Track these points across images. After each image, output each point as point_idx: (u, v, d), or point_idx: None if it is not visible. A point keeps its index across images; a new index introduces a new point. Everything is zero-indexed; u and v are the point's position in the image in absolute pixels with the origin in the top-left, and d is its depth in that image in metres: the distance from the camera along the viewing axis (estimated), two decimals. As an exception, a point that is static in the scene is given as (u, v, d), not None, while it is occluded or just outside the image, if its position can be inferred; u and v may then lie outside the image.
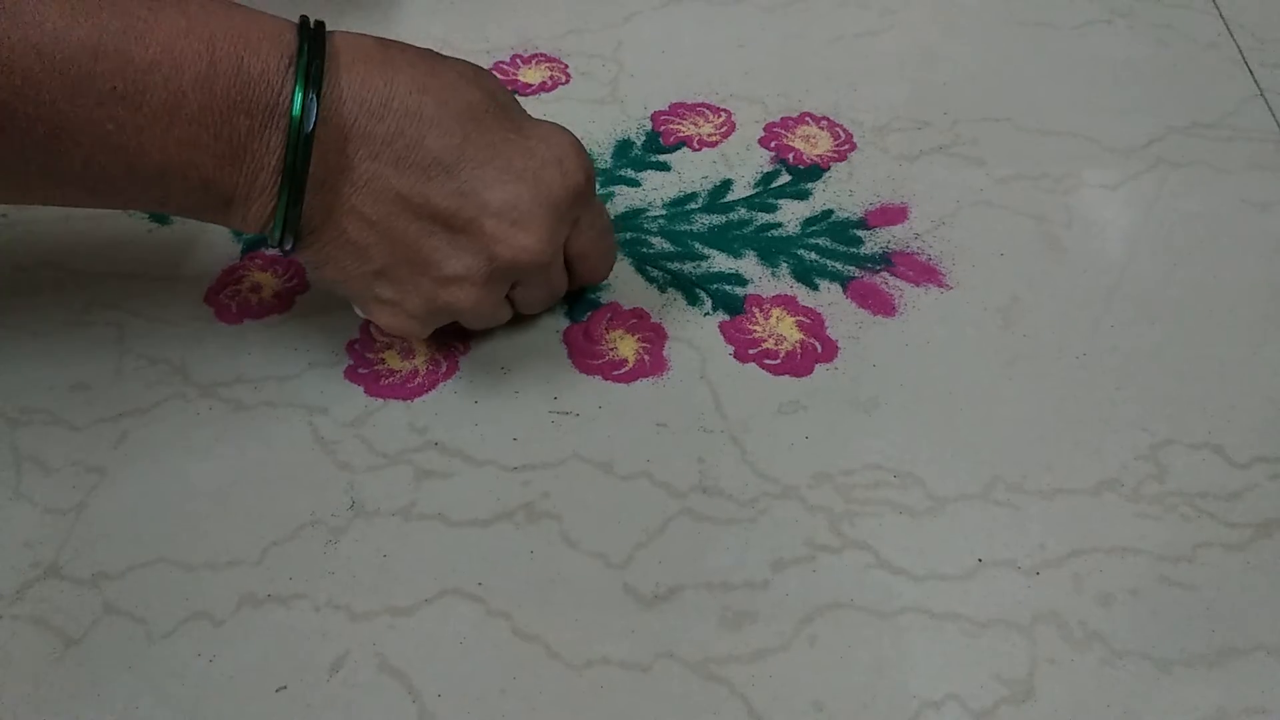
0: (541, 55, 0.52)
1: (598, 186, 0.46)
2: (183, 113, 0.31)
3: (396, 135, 0.32)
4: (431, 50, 0.35)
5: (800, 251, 0.43)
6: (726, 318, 0.41)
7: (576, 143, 0.35)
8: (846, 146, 0.48)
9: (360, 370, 0.39)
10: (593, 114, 0.49)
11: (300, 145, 0.31)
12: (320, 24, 0.33)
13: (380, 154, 0.32)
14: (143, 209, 0.34)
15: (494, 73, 0.42)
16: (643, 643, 0.32)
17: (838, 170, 0.47)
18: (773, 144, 0.48)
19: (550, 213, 0.34)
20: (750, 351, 0.40)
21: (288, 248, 0.34)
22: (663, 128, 0.49)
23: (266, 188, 0.32)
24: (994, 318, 0.41)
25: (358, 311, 0.37)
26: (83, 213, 0.44)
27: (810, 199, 0.46)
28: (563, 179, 0.34)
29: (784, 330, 0.41)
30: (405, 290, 0.35)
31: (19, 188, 0.32)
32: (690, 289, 0.42)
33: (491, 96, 0.34)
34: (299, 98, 0.31)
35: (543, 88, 0.50)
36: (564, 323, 0.41)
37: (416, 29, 0.35)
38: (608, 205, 0.45)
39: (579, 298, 0.41)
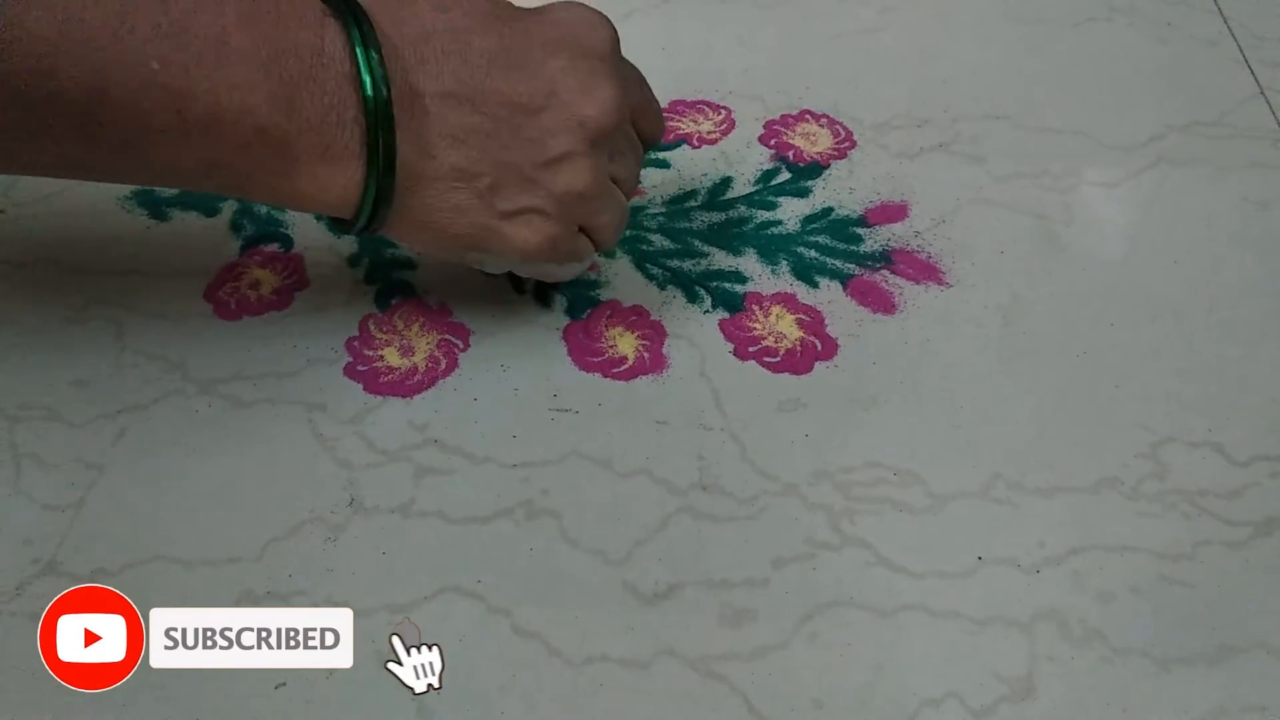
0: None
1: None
2: (229, 50, 0.30)
3: (447, 52, 0.33)
4: None
5: (800, 249, 0.43)
6: (726, 315, 0.41)
7: (588, 6, 0.36)
8: (846, 144, 0.48)
9: (359, 367, 0.39)
10: (592, 111, 0.49)
11: (378, 85, 0.31)
12: None
13: (442, 74, 0.33)
14: (187, 182, 0.32)
15: None
16: (642, 640, 0.32)
17: (838, 168, 0.47)
18: (772, 141, 0.48)
19: (605, 65, 0.35)
20: (750, 349, 0.40)
21: (369, 223, 0.34)
22: (662, 125, 0.49)
23: (346, 149, 0.32)
24: (994, 316, 0.41)
25: (486, 268, 0.37)
26: (82, 208, 0.44)
27: (810, 196, 0.46)
28: (598, 34, 0.35)
29: (784, 328, 0.40)
30: (525, 191, 0.34)
31: (54, 148, 0.30)
32: (690, 286, 0.42)
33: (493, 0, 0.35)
34: (358, 41, 0.31)
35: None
36: (563, 320, 0.41)
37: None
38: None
39: (579, 294, 0.41)
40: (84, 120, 0.29)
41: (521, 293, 0.41)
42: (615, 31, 0.36)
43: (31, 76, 0.28)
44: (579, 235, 0.37)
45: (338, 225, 0.36)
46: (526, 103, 0.34)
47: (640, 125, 0.38)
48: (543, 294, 0.41)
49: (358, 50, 0.31)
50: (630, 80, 0.37)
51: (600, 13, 0.36)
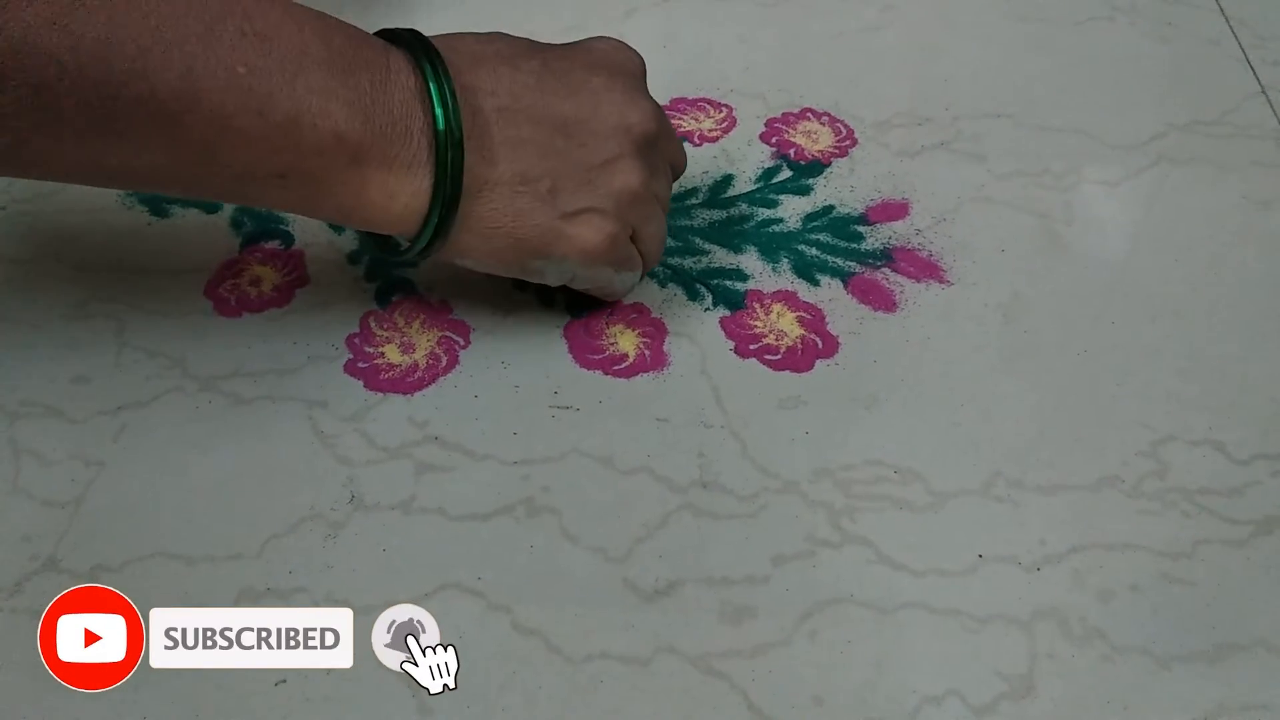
0: (542, 50, 0.52)
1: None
2: (310, 60, 0.32)
3: (498, 74, 0.35)
4: None
5: (801, 247, 0.43)
6: (727, 313, 0.41)
7: (617, 38, 0.39)
8: (848, 142, 0.48)
9: (360, 364, 0.39)
10: (593, 109, 0.49)
11: (446, 94, 0.33)
12: None
13: (497, 91, 0.35)
14: (259, 191, 0.33)
15: None
16: (642, 637, 0.32)
17: (839, 166, 0.47)
18: (774, 139, 0.48)
19: (641, 83, 0.38)
20: (751, 347, 0.40)
21: (435, 236, 0.34)
22: (663, 123, 0.49)
23: (415, 158, 0.33)
24: (995, 314, 0.41)
25: (548, 279, 0.37)
26: (83, 205, 0.44)
27: (811, 194, 0.46)
28: (632, 58, 0.38)
29: (785, 326, 0.40)
30: (584, 191, 0.36)
31: (138, 151, 0.31)
32: (691, 284, 0.42)
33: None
34: (424, 57, 0.33)
35: None
36: (564, 318, 0.41)
37: (421, 26, 0.35)
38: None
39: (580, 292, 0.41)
40: (170, 122, 0.30)
41: (523, 290, 0.41)
42: (644, 59, 0.39)
43: (125, 77, 0.29)
44: (631, 243, 0.38)
45: (391, 253, 0.37)
46: (574, 114, 0.36)
47: (668, 152, 0.39)
48: (544, 292, 0.41)
49: (425, 66, 0.33)
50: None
51: (628, 44, 0.39)
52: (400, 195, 0.34)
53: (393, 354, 0.39)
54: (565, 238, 0.36)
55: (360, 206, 0.34)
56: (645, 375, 0.39)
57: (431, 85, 0.33)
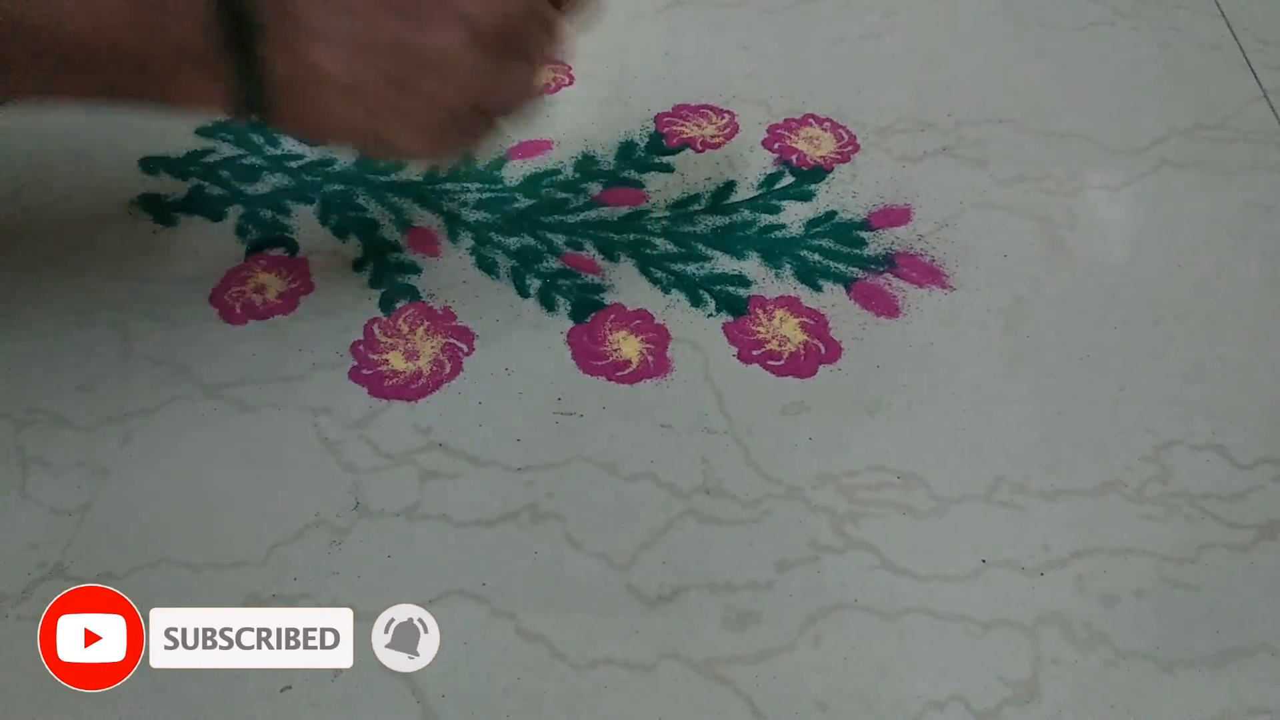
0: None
1: (600, 188, 0.46)
2: None
3: None
4: None
5: (804, 253, 0.44)
6: (730, 319, 0.41)
7: None
8: (850, 148, 0.48)
9: (364, 371, 0.39)
10: (596, 115, 0.49)
11: None
12: None
13: None
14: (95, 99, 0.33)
15: None
16: (646, 643, 0.32)
17: (841, 172, 0.47)
18: (776, 145, 0.48)
19: None
20: (754, 353, 0.40)
21: (261, 116, 0.33)
22: (666, 129, 0.49)
23: (205, 53, 0.32)
24: (997, 319, 0.41)
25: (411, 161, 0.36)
26: (88, 214, 0.44)
27: (814, 200, 0.46)
28: None
29: (787, 331, 0.41)
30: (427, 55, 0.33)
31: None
32: (694, 290, 0.42)
33: None
34: None
35: (546, 89, 0.50)
36: (568, 324, 0.41)
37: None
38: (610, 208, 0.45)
39: (583, 298, 0.41)
40: None
41: (526, 297, 0.41)
42: None
43: None
44: (531, 26, 0.35)
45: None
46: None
47: None
48: (547, 298, 0.41)
49: None
50: None
51: None
52: (216, 89, 0.32)
53: (397, 361, 0.39)
54: (408, 126, 0.33)
55: (191, 102, 0.33)
56: (648, 381, 0.39)
57: None
